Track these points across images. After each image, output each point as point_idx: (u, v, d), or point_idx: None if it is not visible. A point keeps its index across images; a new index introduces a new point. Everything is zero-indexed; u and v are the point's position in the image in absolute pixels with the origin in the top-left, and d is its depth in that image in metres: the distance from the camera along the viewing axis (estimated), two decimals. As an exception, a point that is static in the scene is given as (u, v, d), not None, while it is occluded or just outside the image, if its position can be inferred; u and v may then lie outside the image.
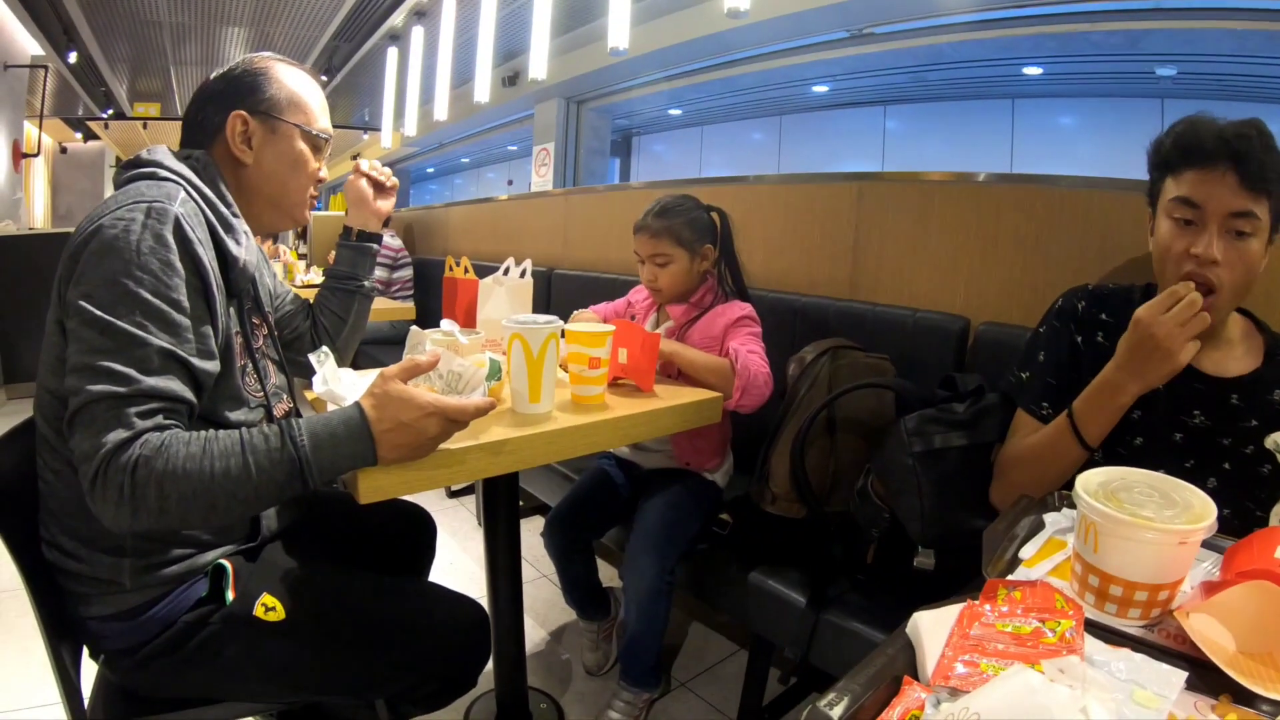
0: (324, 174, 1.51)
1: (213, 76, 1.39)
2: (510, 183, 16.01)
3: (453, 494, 3.89)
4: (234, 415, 1.30)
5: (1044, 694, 0.60)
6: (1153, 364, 1.23)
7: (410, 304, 4.86)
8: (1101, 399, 1.31)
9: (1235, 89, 7.25)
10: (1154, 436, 1.39)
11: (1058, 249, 1.96)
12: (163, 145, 1.36)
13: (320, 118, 1.47)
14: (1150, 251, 1.41)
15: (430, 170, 20.26)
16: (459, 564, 3.10)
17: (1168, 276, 1.32)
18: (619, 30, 4.35)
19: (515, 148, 14.64)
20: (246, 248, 1.34)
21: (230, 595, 1.29)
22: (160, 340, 1.10)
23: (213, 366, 1.21)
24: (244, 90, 1.37)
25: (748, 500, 1.98)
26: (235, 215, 1.34)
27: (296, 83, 1.43)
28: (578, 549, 2.23)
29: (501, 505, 1.82)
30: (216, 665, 1.29)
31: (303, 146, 1.44)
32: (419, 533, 1.86)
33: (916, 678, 0.71)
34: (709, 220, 2.13)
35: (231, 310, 1.31)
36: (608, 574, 2.43)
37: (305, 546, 1.53)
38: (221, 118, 1.35)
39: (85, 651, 1.32)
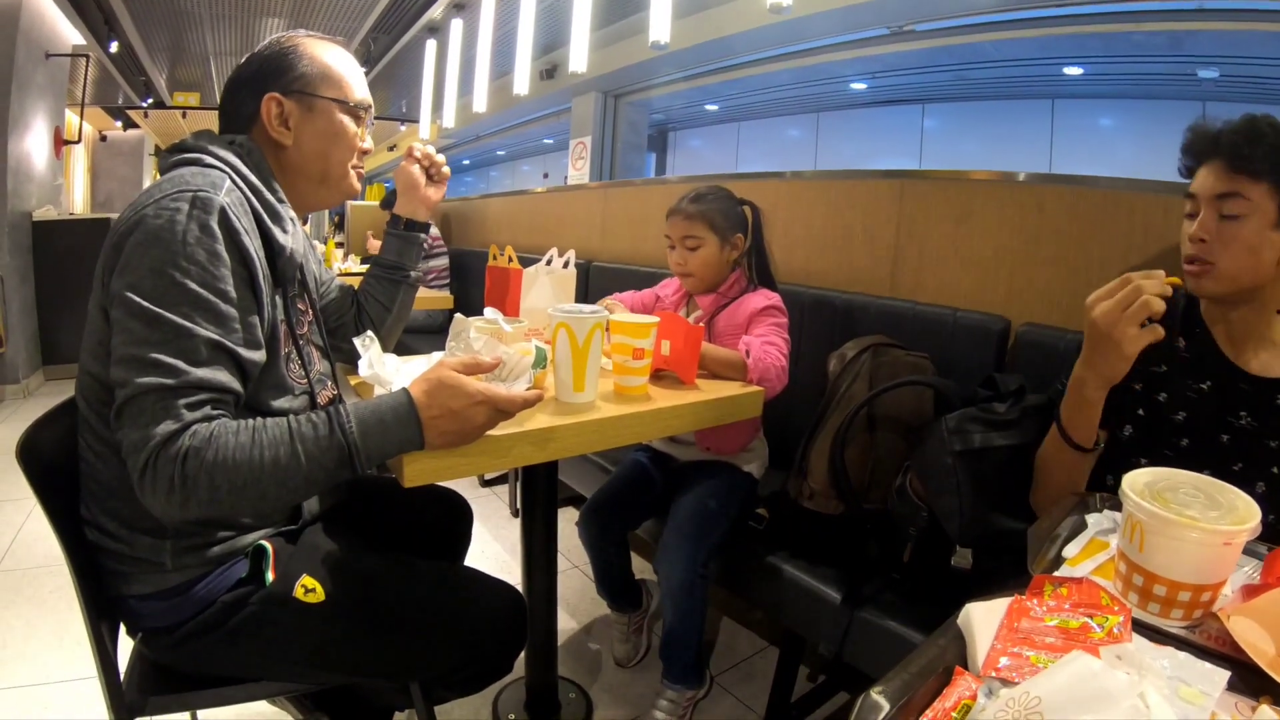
0: (368, 144, 1.50)
1: (244, 60, 1.38)
2: (546, 175, 16.07)
3: (486, 482, 3.93)
4: (277, 403, 1.31)
5: (1105, 677, 0.61)
6: (1100, 353, 1.24)
7: (445, 293, 4.89)
8: (1072, 396, 1.34)
9: (1278, 92, 7.15)
10: (1200, 438, 1.39)
11: (1100, 251, 1.95)
12: (208, 130, 1.37)
13: (357, 88, 1.45)
14: None
15: (466, 162, 20.36)
16: (490, 552, 3.13)
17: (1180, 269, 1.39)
18: (660, 24, 4.34)
19: (551, 141, 14.73)
20: (293, 235, 1.34)
21: (270, 576, 1.31)
22: (208, 331, 1.11)
23: (259, 356, 1.22)
24: (275, 71, 1.36)
25: (785, 495, 1.98)
26: (281, 202, 1.34)
27: (328, 56, 1.41)
28: (612, 539, 2.24)
29: (540, 494, 1.84)
30: (254, 645, 1.30)
31: (342, 119, 1.42)
32: (456, 519, 1.87)
33: (967, 669, 0.72)
34: (741, 213, 2.14)
35: (277, 298, 1.31)
36: (641, 567, 2.44)
37: (345, 530, 1.54)
38: (256, 103, 1.35)
39: (122, 628, 1.34)
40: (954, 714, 0.64)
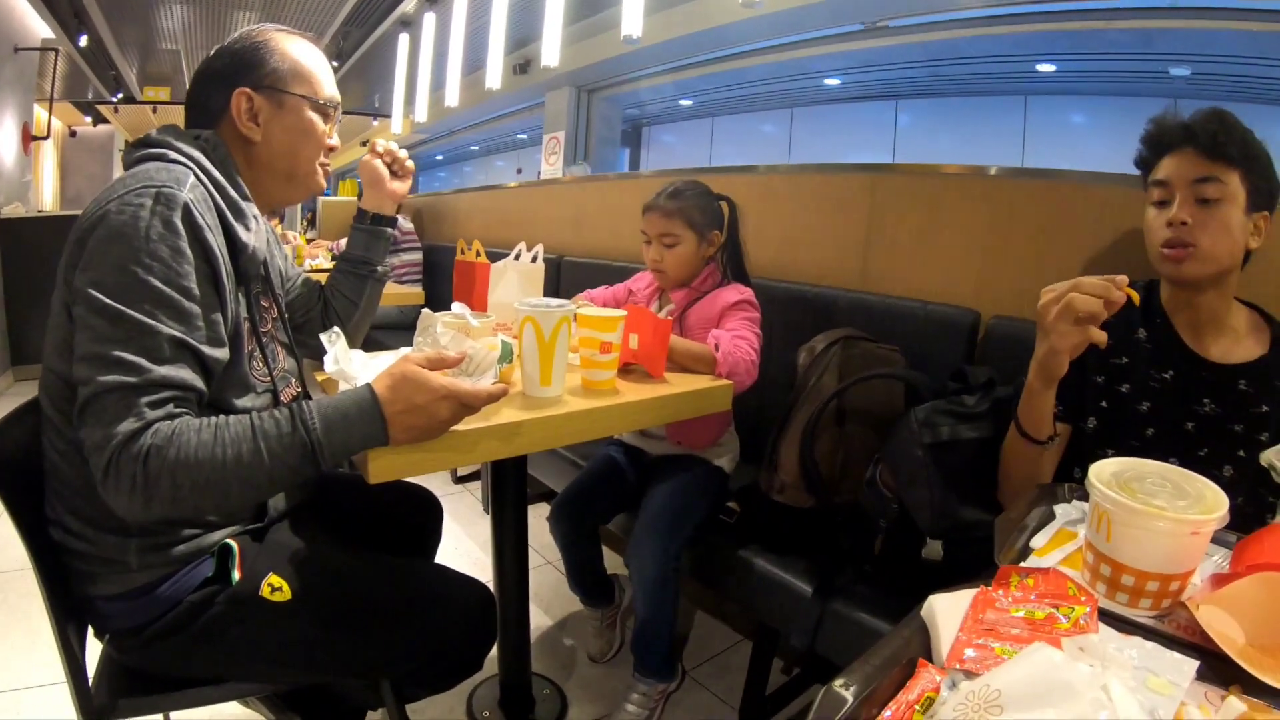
0: (335, 141, 1.49)
1: (213, 53, 1.37)
2: (519, 170, 16.05)
3: (459, 479, 3.91)
4: (240, 401, 1.29)
5: (1066, 670, 0.61)
6: (1040, 346, 1.25)
7: (417, 289, 4.85)
8: (1025, 388, 1.35)
9: (1248, 90, 7.25)
10: (1166, 427, 1.41)
11: (1070, 244, 1.95)
12: (173, 125, 1.35)
13: (326, 85, 1.44)
14: None
15: (439, 157, 20.31)
16: (463, 549, 3.11)
17: (1152, 257, 1.43)
18: (632, 19, 4.34)
19: (525, 136, 14.72)
20: (256, 232, 1.33)
21: (236, 575, 1.29)
22: (171, 329, 1.10)
23: (222, 354, 1.21)
24: (246, 66, 1.34)
25: (756, 489, 1.98)
26: (245, 199, 1.33)
27: (299, 52, 1.40)
28: (584, 534, 2.23)
29: (510, 489, 1.83)
30: (222, 645, 1.29)
31: (311, 116, 1.41)
32: (425, 515, 1.86)
33: (931, 661, 0.71)
34: (718, 209, 2.13)
35: (240, 295, 1.30)
36: (614, 562, 2.43)
37: (312, 527, 1.52)
38: (225, 97, 1.33)
39: (90, 630, 1.32)
40: (917, 706, 0.63)
